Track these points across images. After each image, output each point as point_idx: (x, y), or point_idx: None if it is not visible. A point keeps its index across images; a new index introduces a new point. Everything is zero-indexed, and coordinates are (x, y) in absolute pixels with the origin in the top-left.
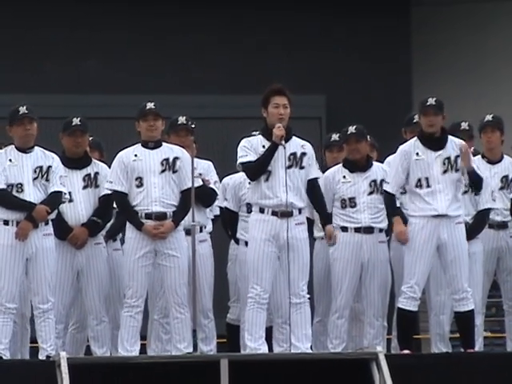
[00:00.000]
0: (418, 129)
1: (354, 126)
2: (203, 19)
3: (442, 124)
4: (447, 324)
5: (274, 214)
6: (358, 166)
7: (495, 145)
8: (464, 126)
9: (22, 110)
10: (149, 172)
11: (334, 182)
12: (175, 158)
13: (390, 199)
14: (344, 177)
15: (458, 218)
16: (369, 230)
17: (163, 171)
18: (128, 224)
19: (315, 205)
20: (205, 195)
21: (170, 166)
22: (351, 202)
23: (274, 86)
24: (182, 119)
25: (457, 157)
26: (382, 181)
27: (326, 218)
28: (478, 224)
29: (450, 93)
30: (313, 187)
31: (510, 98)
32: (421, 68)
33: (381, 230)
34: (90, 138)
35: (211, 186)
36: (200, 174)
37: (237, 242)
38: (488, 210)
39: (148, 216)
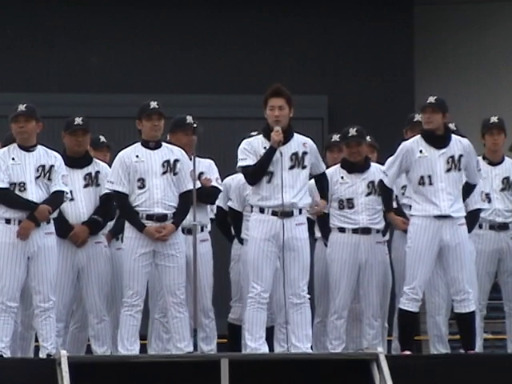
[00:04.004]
0: (418, 128)
1: (355, 128)
2: (206, 18)
3: (442, 122)
4: (444, 325)
5: (274, 214)
6: (356, 166)
7: (500, 147)
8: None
9: (20, 108)
10: (151, 173)
11: (331, 183)
12: (175, 161)
13: (387, 194)
14: (342, 177)
15: (460, 220)
16: (366, 230)
17: (164, 173)
18: (127, 224)
19: (320, 191)
20: (206, 194)
21: (170, 167)
22: (349, 203)
23: (272, 87)
24: (189, 118)
25: (460, 156)
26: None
27: (323, 198)
28: (468, 224)
29: (452, 93)
30: (321, 181)
31: (510, 97)
32: (423, 68)
33: (378, 231)
34: (102, 140)
35: (213, 183)
36: (201, 173)
37: (241, 241)
38: (478, 211)
39: (149, 217)
